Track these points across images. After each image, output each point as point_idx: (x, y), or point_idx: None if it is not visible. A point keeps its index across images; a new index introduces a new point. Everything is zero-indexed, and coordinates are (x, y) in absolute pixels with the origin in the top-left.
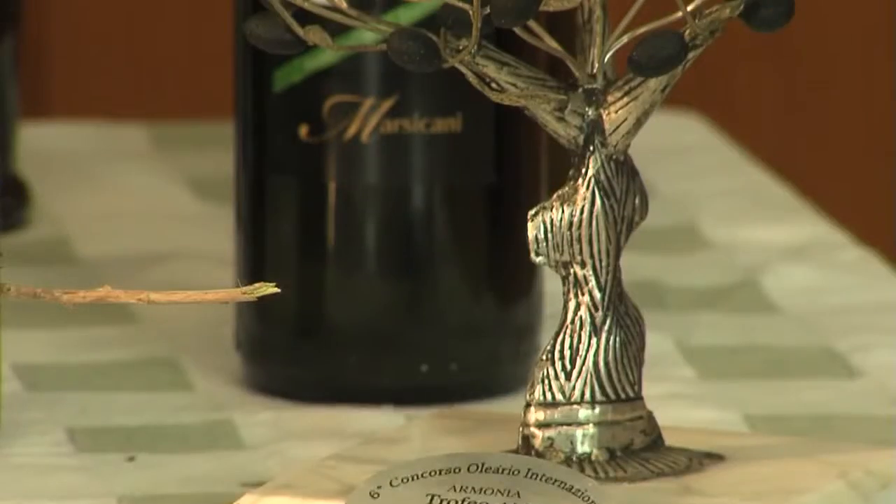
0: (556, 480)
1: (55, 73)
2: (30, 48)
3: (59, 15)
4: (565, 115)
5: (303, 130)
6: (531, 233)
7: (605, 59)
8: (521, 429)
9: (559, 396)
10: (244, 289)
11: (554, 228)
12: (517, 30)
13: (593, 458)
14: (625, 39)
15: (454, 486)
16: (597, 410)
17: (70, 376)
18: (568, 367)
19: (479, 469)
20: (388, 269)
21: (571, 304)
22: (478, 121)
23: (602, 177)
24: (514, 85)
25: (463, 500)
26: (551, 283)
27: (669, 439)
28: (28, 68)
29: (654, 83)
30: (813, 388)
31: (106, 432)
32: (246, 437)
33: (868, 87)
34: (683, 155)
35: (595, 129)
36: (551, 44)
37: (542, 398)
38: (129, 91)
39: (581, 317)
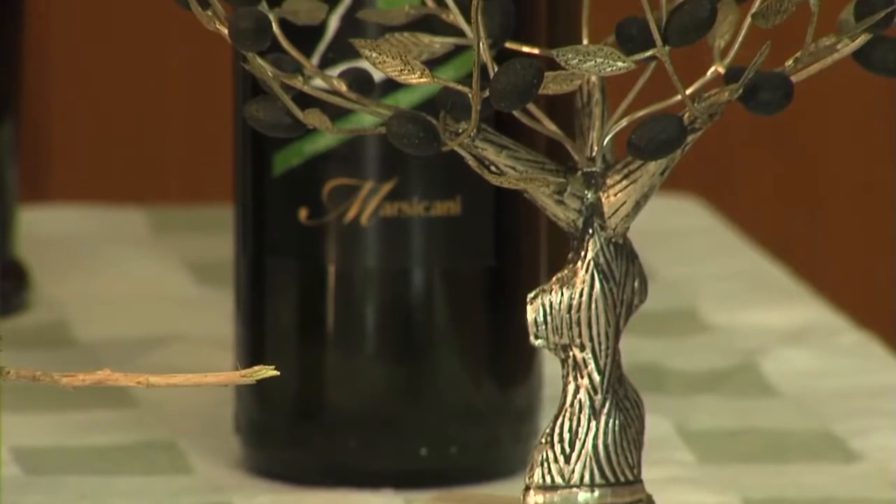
0: None
1: (55, 157)
2: (30, 132)
3: (58, 99)
4: (564, 198)
5: (302, 213)
6: (530, 316)
7: (605, 143)
8: None
9: (558, 479)
10: (243, 372)
11: (553, 311)
12: (516, 113)
13: None
14: (624, 123)
15: None
16: (596, 494)
17: (70, 460)
18: (567, 450)
19: None
20: (388, 351)
21: (570, 387)
22: (477, 204)
23: (601, 260)
24: (513, 168)
25: None
26: (551, 366)
27: None
28: (28, 152)
29: (654, 166)
30: (812, 471)
31: None
32: None
33: (867, 170)
34: (682, 238)
35: (594, 212)
36: (550, 127)
37: (541, 481)
38: (129, 175)
39: (580, 400)
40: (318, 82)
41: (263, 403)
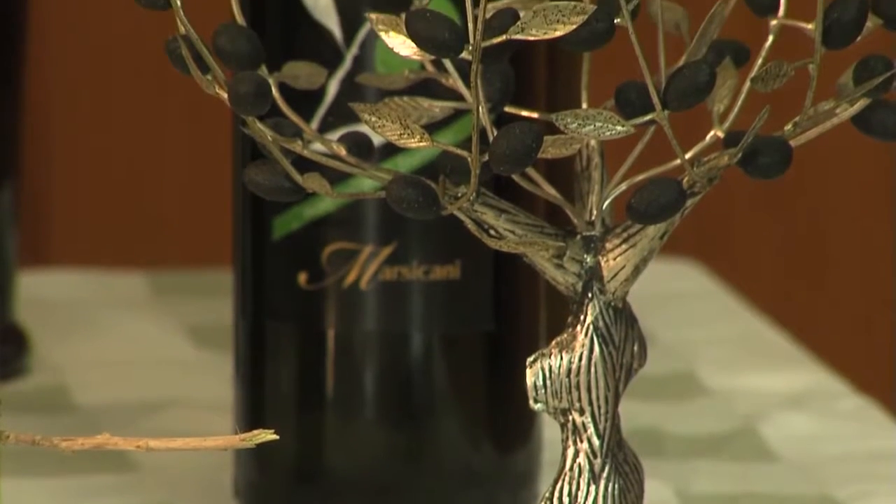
0: None
1: (55, 221)
2: (29, 196)
3: (58, 163)
4: (564, 262)
5: (301, 278)
6: (530, 380)
7: (604, 207)
8: None
9: None
10: (243, 436)
11: (552, 375)
12: (515, 177)
13: None
14: (623, 187)
15: None
16: None
17: None
18: None
19: None
20: (387, 416)
21: (570, 451)
22: (476, 268)
23: (601, 324)
24: (512, 232)
25: None
26: (550, 430)
27: None
28: (28, 216)
29: (653, 230)
30: None
31: None
32: None
33: (866, 234)
34: (682, 302)
35: (593, 276)
36: (549, 191)
37: None
38: (128, 240)
39: (580, 464)
40: (318, 146)
41: (263, 467)
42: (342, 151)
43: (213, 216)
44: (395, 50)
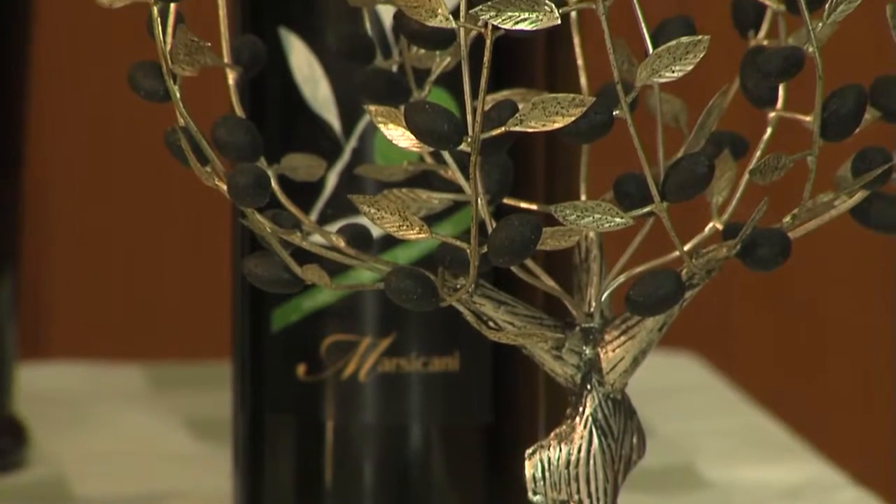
0: None
1: (53, 314)
2: (28, 289)
3: (57, 257)
4: (563, 353)
5: (300, 369)
6: (528, 472)
7: (602, 298)
8: None
9: None
10: None
11: (551, 467)
12: (514, 268)
13: None
14: (622, 279)
15: None
16: None
17: None
18: None
19: None
20: None
21: None
22: (475, 360)
23: (599, 416)
24: (511, 323)
25: None
26: None
27: None
28: (26, 309)
29: (652, 322)
30: None
31: None
32: None
33: (864, 326)
34: (680, 394)
35: (592, 367)
36: (548, 282)
37: None
38: (128, 332)
39: None
40: (317, 238)
41: None
42: (341, 243)
43: (212, 308)
44: (395, 142)
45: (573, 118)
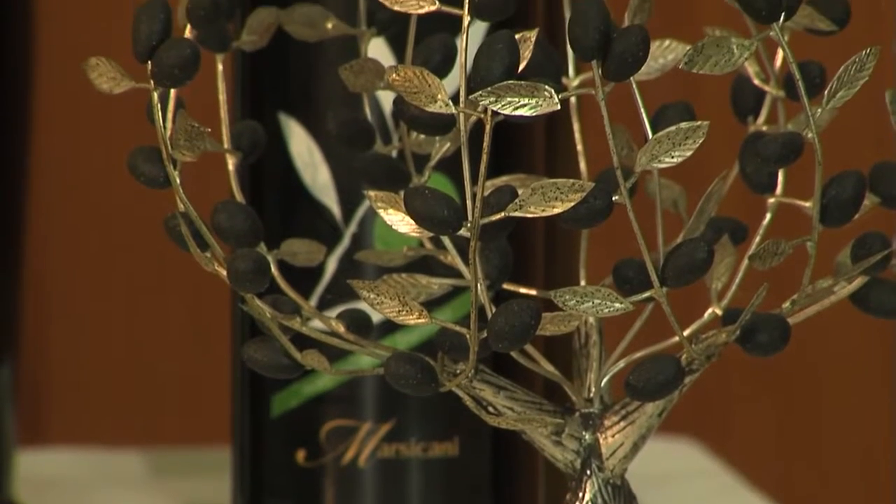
0: None
1: (53, 399)
2: (28, 374)
3: (56, 342)
4: (562, 439)
5: (300, 455)
6: None
7: (602, 384)
8: None
9: None
10: None
11: None
12: (514, 354)
13: None
14: (621, 364)
15: None
16: None
17: None
18: None
19: None
20: None
21: None
22: (475, 445)
23: (599, 501)
24: (510, 409)
25: None
26: None
27: None
28: (26, 394)
29: (651, 407)
30: None
31: None
32: None
33: (864, 411)
34: (680, 480)
35: (592, 453)
36: (548, 367)
37: None
38: (127, 418)
39: None
40: (317, 323)
41: None
42: (341, 328)
43: (211, 393)
44: (394, 227)
45: (573, 203)
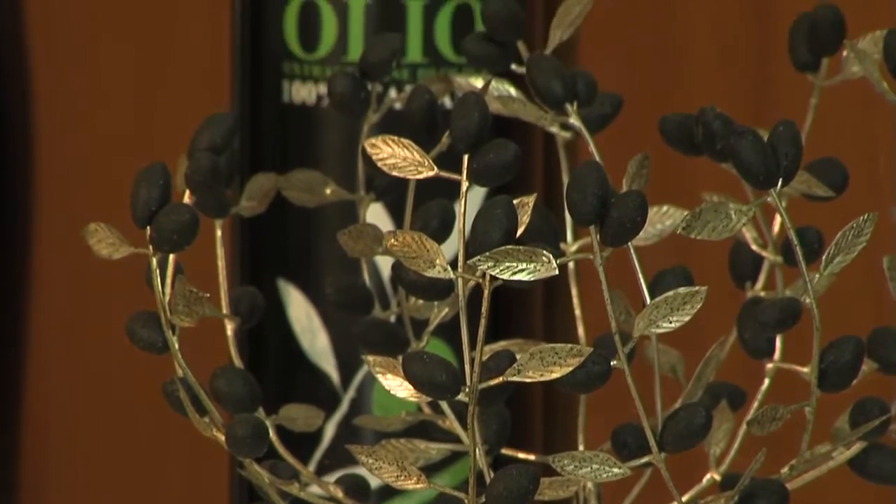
0: None
1: None
2: None
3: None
4: None
5: None
6: None
7: None
8: None
9: None
10: None
11: None
12: None
13: None
14: None
15: None
16: None
17: None
18: None
19: None
20: None
21: None
22: None
23: None
24: None
25: None
26: None
27: None
28: None
29: None
30: None
31: None
32: None
33: None
34: None
35: None
36: None
37: None
38: None
39: None
40: (315, 489)
41: None
42: (339, 494)
43: None
44: (393, 392)
45: (571, 368)
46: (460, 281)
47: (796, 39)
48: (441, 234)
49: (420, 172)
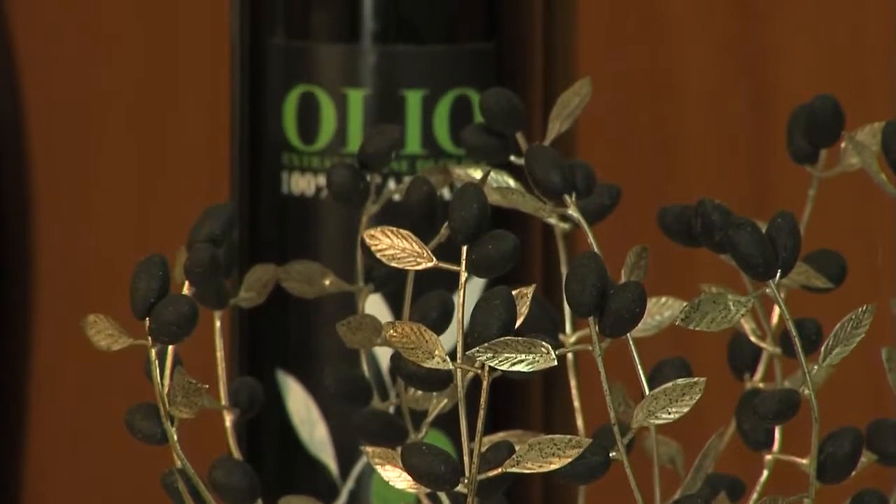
0: None
1: None
2: None
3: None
4: None
5: None
6: None
7: None
8: None
9: None
10: None
11: None
12: None
13: None
14: None
15: None
16: None
17: None
18: None
19: None
20: None
21: None
22: None
23: None
24: None
25: None
26: None
27: None
28: None
29: None
30: None
31: None
32: None
33: None
34: None
35: None
36: None
37: None
38: None
39: None
40: None
41: None
42: None
43: None
44: (392, 483)
45: (570, 459)
46: (459, 372)
47: (794, 131)
48: (440, 325)
49: (419, 263)
